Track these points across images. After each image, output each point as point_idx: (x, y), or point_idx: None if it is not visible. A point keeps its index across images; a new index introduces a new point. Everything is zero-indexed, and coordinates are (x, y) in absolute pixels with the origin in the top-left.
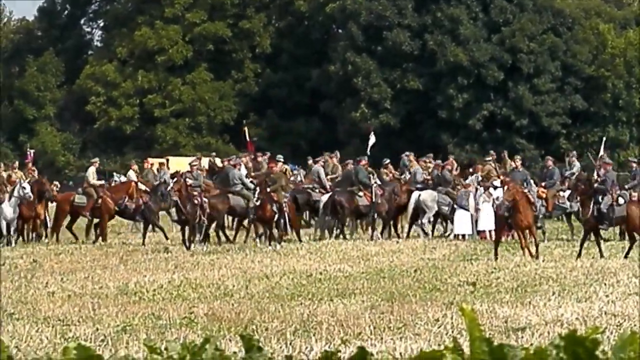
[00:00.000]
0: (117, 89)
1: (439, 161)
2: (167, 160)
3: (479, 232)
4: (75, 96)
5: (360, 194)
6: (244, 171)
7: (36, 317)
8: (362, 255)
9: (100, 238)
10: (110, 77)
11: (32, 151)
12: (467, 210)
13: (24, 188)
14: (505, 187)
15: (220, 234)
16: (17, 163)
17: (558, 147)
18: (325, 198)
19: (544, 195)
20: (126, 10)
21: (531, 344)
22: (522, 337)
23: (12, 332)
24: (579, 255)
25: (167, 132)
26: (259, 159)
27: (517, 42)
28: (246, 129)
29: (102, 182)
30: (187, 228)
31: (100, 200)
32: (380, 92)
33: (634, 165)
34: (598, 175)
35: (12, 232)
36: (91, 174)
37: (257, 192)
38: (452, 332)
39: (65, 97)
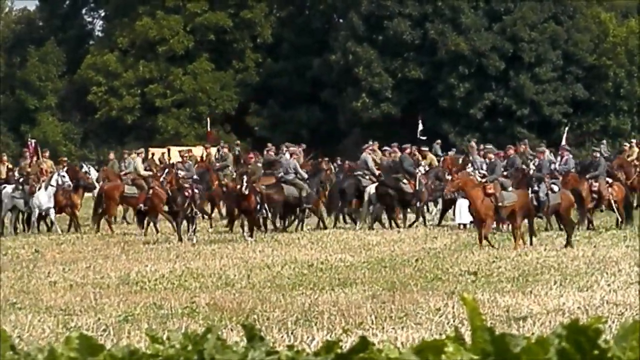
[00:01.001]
0: (119, 79)
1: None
2: (169, 150)
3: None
4: (76, 86)
5: (405, 182)
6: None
7: (38, 306)
8: (363, 244)
9: (143, 228)
10: (112, 67)
11: (33, 141)
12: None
13: (64, 176)
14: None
15: (278, 223)
16: (47, 153)
17: (559, 136)
18: (372, 187)
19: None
20: (127, 0)
21: (532, 333)
22: (524, 326)
23: (14, 321)
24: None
25: (168, 122)
26: (224, 150)
27: (518, 31)
28: (209, 119)
29: (150, 172)
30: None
31: (151, 191)
32: (381, 82)
33: (597, 155)
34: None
35: (53, 220)
36: (139, 164)
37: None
38: (454, 321)
39: (67, 87)
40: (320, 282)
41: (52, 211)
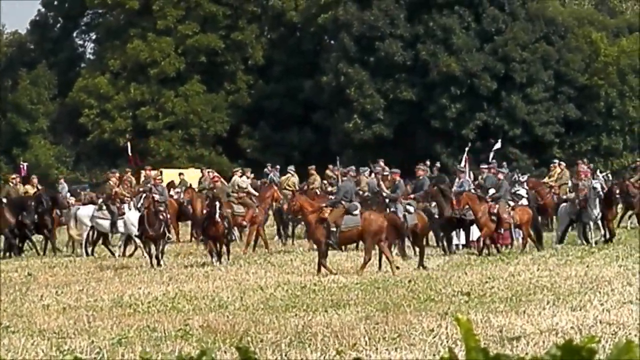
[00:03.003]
0: (110, 101)
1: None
2: (161, 172)
3: (471, 242)
4: (68, 109)
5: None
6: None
7: (31, 330)
8: (355, 266)
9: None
10: (103, 90)
11: (25, 164)
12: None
13: (161, 193)
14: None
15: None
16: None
17: (552, 156)
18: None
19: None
20: (118, 22)
21: (526, 354)
22: (517, 346)
23: (7, 345)
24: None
25: (160, 144)
26: (149, 171)
27: (510, 52)
28: (129, 143)
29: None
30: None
31: (257, 209)
32: (373, 103)
33: (501, 177)
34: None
35: (138, 242)
36: (245, 182)
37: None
38: (447, 342)
39: (58, 110)
40: (313, 303)
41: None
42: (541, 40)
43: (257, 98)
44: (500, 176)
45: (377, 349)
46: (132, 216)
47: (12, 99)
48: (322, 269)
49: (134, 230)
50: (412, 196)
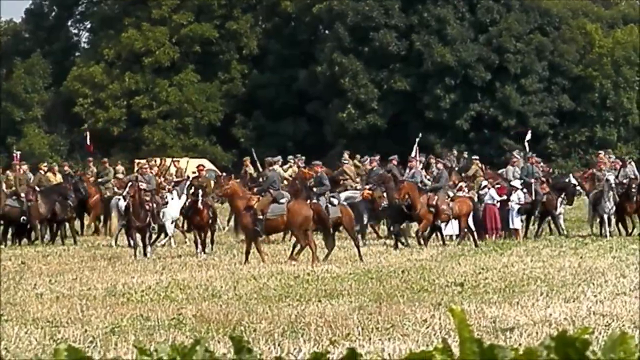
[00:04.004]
0: (105, 90)
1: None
2: (156, 161)
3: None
4: (62, 98)
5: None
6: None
7: (25, 318)
8: (349, 256)
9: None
10: (98, 79)
11: (18, 153)
12: None
13: (148, 182)
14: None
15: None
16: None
17: (546, 147)
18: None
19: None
20: (113, 11)
21: (520, 344)
22: (511, 337)
23: (1, 334)
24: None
25: (154, 133)
26: (105, 164)
27: (504, 42)
28: (87, 133)
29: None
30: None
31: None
32: (367, 93)
33: (440, 167)
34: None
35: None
36: (285, 172)
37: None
38: (441, 332)
39: (53, 99)
40: (306, 293)
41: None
42: (535, 31)
43: (252, 88)
44: (440, 166)
45: (370, 339)
46: (175, 205)
47: (7, 88)
48: (250, 257)
49: (173, 219)
50: (367, 186)
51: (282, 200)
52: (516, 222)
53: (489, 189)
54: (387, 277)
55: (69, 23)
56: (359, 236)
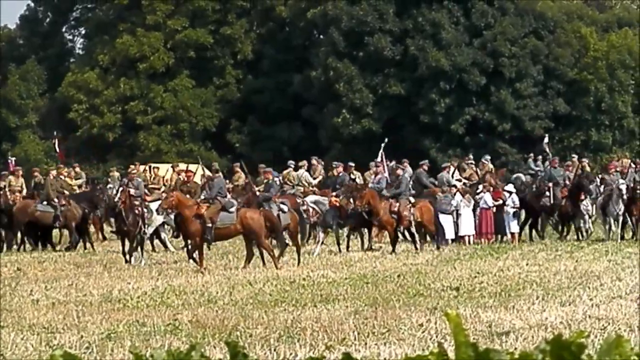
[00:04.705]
0: (99, 96)
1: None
2: (150, 167)
3: (460, 237)
4: (57, 104)
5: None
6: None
7: (21, 324)
8: (345, 261)
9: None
10: (92, 85)
11: (13, 159)
12: (449, 214)
13: (136, 188)
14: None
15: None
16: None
17: (541, 151)
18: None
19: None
20: (107, 17)
21: (515, 348)
22: (507, 341)
23: None
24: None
25: (149, 139)
26: (77, 169)
27: (499, 46)
28: (56, 140)
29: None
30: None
31: None
32: (362, 98)
33: (400, 173)
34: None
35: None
36: (310, 177)
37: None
38: (436, 337)
39: (48, 105)
40: (302, 298)
41: None
42: (530, 35)
43: (246, 93)
44: (400, 172)
45: (366, 343)
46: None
47: (1, 94)
48: (194, 263)
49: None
50: (333, 193)
51: (231, 209)
52: (512, 226)
53: (484, 193)
54: (382, 282)
55: (64, 29)
56: (319, 242)
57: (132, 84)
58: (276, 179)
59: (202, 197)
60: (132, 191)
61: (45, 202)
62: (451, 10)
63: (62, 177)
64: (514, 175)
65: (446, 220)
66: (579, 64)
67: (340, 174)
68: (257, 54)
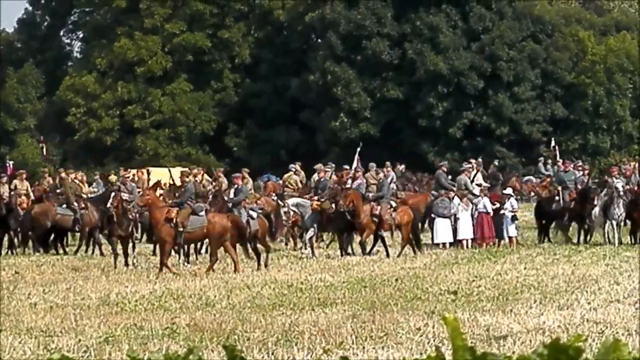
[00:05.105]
0: (97, 100)
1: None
2: (148, 171)
3: (458, 241)
4: (55, 107)
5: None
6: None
7: (19, 328)
8: (342, 264)
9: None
10: (90, 89)
11: (11, 163)
12: (447, 218)
13: (130, 192)
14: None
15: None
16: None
17: (539, 154)
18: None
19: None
20: (105, 21)
21: (513, 352)
22: (504, 345)
23: None
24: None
25: (147, 143)
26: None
27: (497, 50)
28: (44, 145)
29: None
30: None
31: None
32: (360, 102)
33: (382, 177)
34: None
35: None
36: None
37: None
38: (434, 341)
39: (45, 108)
40: (300, 302)
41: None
42: (528, 38)
43: (244, 96)
44: (382, 175)
45: (364, 347)
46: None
47: (0, 98)
48: (165, 268)
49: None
50: (315, 198)
51: (201, 213)
52: (510, 230)
53: (482, 197)
54: (380, 286)
55: (62, 33)
56: (309, 246)
57: (129, 87)
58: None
59: (172, 201)
60: (125, 196)
61: (64, 206)
62: (449, 14)
63: (76, 180)
64: (525, 178)
65: (443, 224)
66: (577, 68)
67: (322, 179)
68: (254, 57)
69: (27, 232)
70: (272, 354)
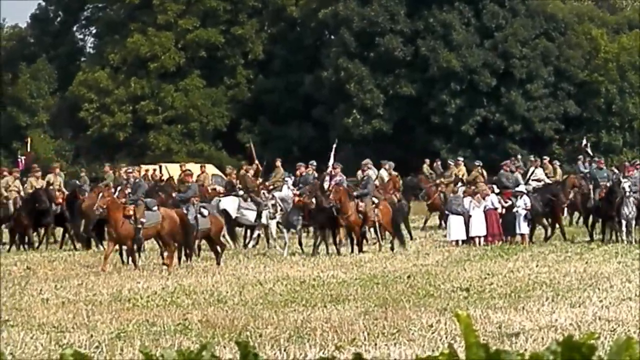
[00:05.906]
0: (110, 95)
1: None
2: (160, 167)
3: (470, 239)
4: (68, 103)
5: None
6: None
7: (31, 324)
8: (355, 261)
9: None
10: (103, 84)
11: (22, 157)
12: (460, 215)
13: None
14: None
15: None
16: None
17: (551, 152)
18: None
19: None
20: (118, 17)
21: (525, 350)
22: (516, 342)
23: (7, 339)
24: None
25: (159, 138)
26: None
27: (510, 48)
28: (29, 139)
29: None
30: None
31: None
32: (373, 98)
33: (368, 174)
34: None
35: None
36: None
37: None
38: (446, 337)
39: (58, 104)
40: (312, 298)
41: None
42: (541, 36)
43: (257, 93)
44: (370, 172)
45: (376, 344)
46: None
47: (12, 93)
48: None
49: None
50: (297, 192)
51: (154, 208)
52: (523, 227)
53: (489, 194)
54: (392, 282)
55: (75, 28)
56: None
57: (142, 83)
58: (288, 179)
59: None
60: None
61: None
62: (462, 11)
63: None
64: (564, 177)
65: (456, 221)
66: (589, 66)
67: (304, 174)
68: (268, 54)
69: (88, 226)
70: (285, 350)
